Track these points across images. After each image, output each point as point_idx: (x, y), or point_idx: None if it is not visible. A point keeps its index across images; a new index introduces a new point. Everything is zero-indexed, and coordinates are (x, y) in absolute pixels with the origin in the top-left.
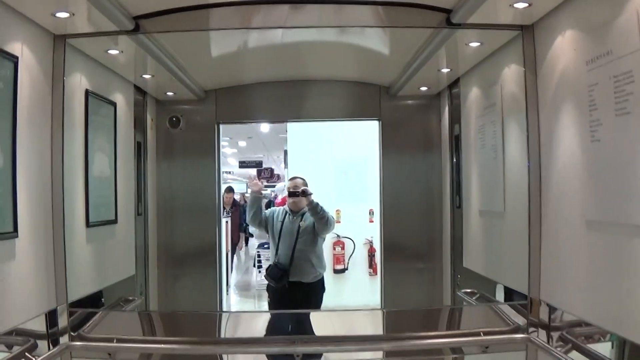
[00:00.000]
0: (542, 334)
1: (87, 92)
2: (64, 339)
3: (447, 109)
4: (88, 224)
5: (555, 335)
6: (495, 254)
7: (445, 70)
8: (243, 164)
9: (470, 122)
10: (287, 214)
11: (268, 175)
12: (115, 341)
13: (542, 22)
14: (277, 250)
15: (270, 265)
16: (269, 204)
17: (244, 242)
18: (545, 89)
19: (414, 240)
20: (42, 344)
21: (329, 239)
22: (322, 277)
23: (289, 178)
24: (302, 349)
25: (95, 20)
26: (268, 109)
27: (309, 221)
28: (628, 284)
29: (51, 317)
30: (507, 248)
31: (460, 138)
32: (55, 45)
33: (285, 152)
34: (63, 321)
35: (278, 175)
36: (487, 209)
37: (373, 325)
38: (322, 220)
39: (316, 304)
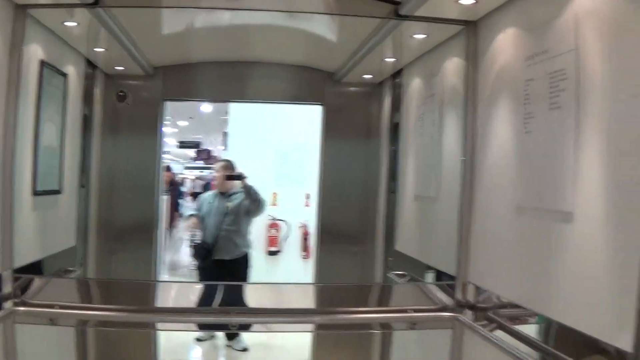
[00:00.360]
0: (469, 313)
1: (41, 63)
2: (7, 305)
3: (388, 97)
4: (35, 192)
5: (481, 315)
6: (426, 237)
7: (389, 60)
8: (182, 144)
9: (410, 111)
10: (216, 196)
11: (205, 157)
12: (57, 307)
13: (486, 19)
14: (203, 230)
15: (195, 244)
16: (207, 186)
17: (178, 222)
18: (484, 82)
19: (350, 224)
20: None
21: (264, 221)
22: (247, 254)
23: (217, 161)
24: (238, 319)
25: None
26: (213, 88)
27: (236, 202)
28: (553, 266)
29: None
30: (438, 232)
31: (400, 126)
32: (16, 14)
33: (225, 134)
34: (7, 287)
35: (215, 157)
36: (421, 194)
37: (305, 299)
38: (255, 203)
39: (243, 280)
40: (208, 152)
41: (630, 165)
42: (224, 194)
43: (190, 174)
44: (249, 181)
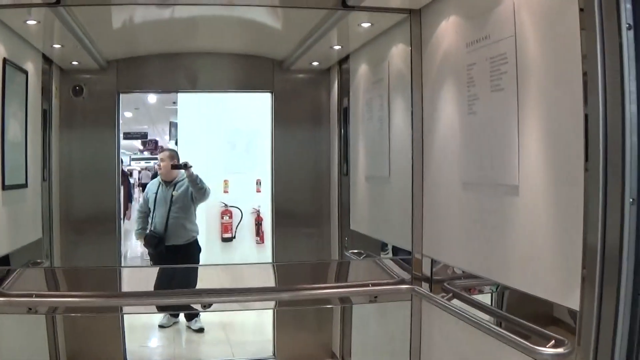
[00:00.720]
0: (425, 285)
1: (4, 61)
2: None
3: (336, 83)
4: (4, 187)
5: (437, 286)
6: (380, 216)
7: (336, 47)
8: (128, 135)
9: (358, 95)
10: (160, 185)
11: (152, 147)
12: (34, 296)
13: (429, 7)
14: (152, 219)
15: (146, 234)
16: (155, 175)
17: (131, 213)
18: (429, 67)
19: (304, 207)
20: None
21: (216, 209)
22: (196, 239)
23: (160, 151)
24: (207, 299)
25: None
26: (165, 79)
27: (181, 190)
28: (503, 236)
29: None
30: (391, 210)
31: (349, 110)
32: None
33: (171, 123)
34: None
35: (162, 147)
36: (373, 175)
37: (266, 279)
38: (201, 191)
39: (194, 263)
40: (156, 142)
41: (565, 142)
42: (169, 183)
43: (137, 165)
44: (198, 169)
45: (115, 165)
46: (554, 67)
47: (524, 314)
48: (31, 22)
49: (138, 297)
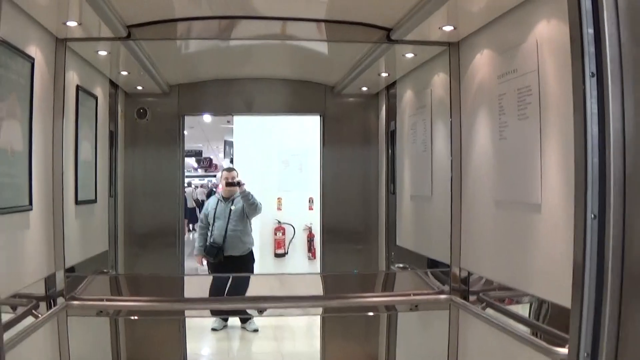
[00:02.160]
0: (463, 295)
1: (77, 87)
2: (60, 300)
3: (384, 107)
4: (77, 202)
5: (472, 296)
6: (423, 232)
7: (384, 75)
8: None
9: (404, 119)
10: (219, 201)
11: (207, 165)
12: (105, 300)
13: (466, 41)
14: (211, 231)
15: (206, 245)
16: (210, 193)
17: (186, 229)
18: (466, 95)
19: (353, 225)
20: (42, 305)
21: (270, 225)
22: (252, 250)
23: (223, 169)
24: (262, 305)
25: (95, 27)
26: (223, 102)
27: (238, 205)
28: (527, 249)
29: (49, 281)
30: (433, 226)
31: (395, 133)
32: (57, 47)
33: (226, 142)
34: (60, 285)
35: (216, 165)
36: (417, 194)
37: (315, 288)
38: (252, 206)
39: (249, 273)
40: (210, 160)
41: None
42: (227, 199)
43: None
44: (253, 187)
45: (179, 182)
46: (567, 99)
47: (550, 320)
48: (102, 53)
49: (200, 302)
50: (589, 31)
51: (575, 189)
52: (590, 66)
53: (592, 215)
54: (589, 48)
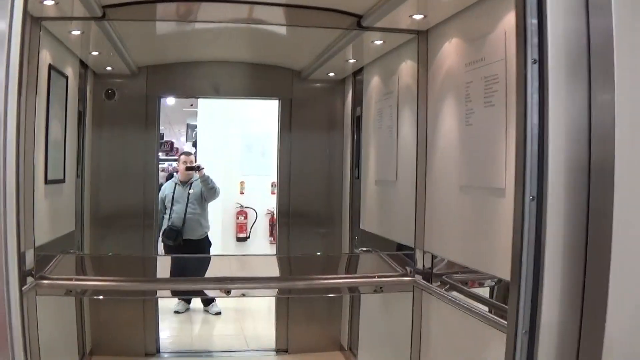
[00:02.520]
0: (426, 277)
1: (50, 67)
2: (29, 280)
3: (350, 93)
4: (46, 181)
5: (436, 278)
6: (387, 216)
7: (351, 61)
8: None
9: (370, 105)
10: (176, 185)
11: (168, 149)
12: (73, 280)
13: (434, 29)
14: (170, 215)
15: (165, 229)
16: (170, 177)
17: None
18: (433, 83)
19: (316, 209)
20: None
21: (232, 209)
22: (207, 235)
23: (181, 153)
24: (230, 286)
25: (70, 7)
26: (188, 85)
27: (197, 189)
28: (490, 232)
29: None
30: (397, 210)
31: (361, 119)
32: (32, 26)
33: (188, 125)
34: (30, 264)
35: (177, 149)
36: (382, 179)
37: (280, 270)
38: (211, 190)
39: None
40: (171, 143)
41: None
42: (185, 183)
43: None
44: (216, 171)
45: (154, 164)
46: None
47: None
48: (75, 32)
49: (166, 282)
50: (532, 21)
51: (516, 172)
52: (532, 54)
53: (531, 197)
54: (532, 38)
